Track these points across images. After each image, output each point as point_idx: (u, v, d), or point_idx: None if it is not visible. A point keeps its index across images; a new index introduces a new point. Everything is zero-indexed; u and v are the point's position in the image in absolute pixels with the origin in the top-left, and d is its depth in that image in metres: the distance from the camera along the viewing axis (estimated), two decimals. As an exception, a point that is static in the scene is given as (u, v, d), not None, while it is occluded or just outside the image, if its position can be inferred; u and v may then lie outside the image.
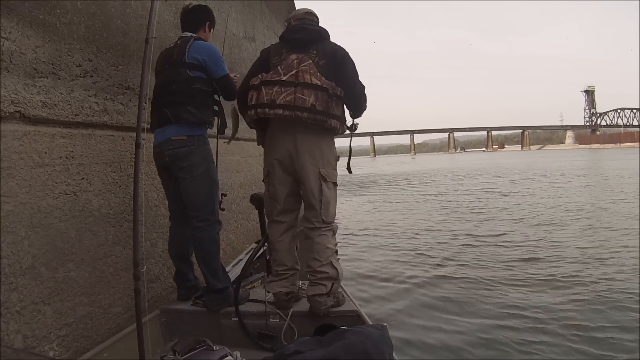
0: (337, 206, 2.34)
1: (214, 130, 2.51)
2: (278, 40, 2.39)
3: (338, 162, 2.34)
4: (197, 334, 1.85)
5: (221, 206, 2.54)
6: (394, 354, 1.59)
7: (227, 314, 2.28)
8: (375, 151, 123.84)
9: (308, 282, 2.28)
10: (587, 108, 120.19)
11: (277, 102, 2.13)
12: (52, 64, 1.91)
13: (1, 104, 1.63)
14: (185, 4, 2.48)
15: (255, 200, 2.71)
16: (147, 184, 2.55)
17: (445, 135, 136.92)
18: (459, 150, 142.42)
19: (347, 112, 2.31)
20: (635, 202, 9.01)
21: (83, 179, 2.05)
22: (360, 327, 1.68)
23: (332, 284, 2.20)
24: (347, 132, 2.34)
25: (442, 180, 20.25)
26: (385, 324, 1.69)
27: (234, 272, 2.65)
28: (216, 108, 2.40)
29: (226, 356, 1.68)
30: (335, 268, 2.22)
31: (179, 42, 2.31)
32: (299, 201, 2.34)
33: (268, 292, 2.29)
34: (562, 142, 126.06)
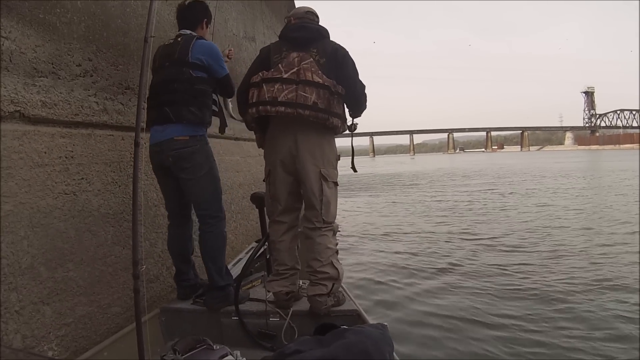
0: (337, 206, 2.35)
1: (212, 130, 2.50)
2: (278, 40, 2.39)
3: (339, 162, 2.34)
4: (197, 333, 1.85)
5: None
6: (394, 354, 1.59)
7: (227, 313, 2.27)
8: (374, 151, 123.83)
9: (308, 281, 2.28)
10: (586, 109, 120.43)
11: (279, 100, 2.12)
12: (52, 64, 1.91)
13: (1, 104, 1.63)
14: (182, 0, 2.46)
15: (256, 199, 2.71)
16: (147, 184, 2.54)
17: (445, 135, 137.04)
18: (458, 150, 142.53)
19: (346, 111, 2.30)
20: (635, 203, 9.03)
21: (82, 178, 2.05)
22: (360, 327, 1.68)
23: (333, 284, 2.19)
24: (347, 131, 2.34)
25: (440, 180, 20.27)
26: (385, 324, 1.69)
27: (234, 271, 2.64)
28: (215, 108, 2.40)
29: (226, 355, 1.68)
30: (336, 268, 2.22)
31: (179, 39, 2.29)
32: (300, 201, 2.34)
33: (268, 291, 2.29)
34: (561, 143, 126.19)
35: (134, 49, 2.49)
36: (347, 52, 2.24)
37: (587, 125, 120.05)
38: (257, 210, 2.80)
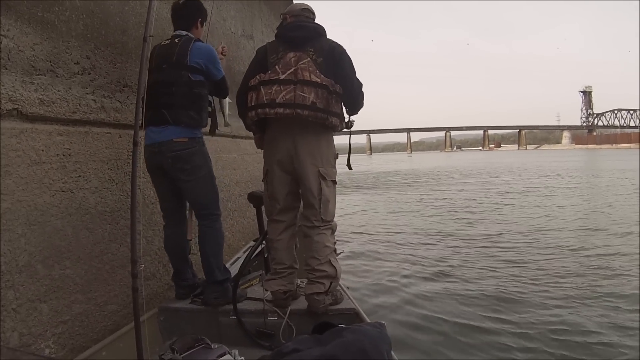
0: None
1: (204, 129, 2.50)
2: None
3: (337, 160, 2.34)
4: (196, 333, 1.85)
5: None
6: (392, 352, 1.60)
7: (225, 312, 2.28)
8: (371, 149, 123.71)
9: (306, 280, 2.28)
10: (584, 108, 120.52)
11: (277, 101, 2.12)
12: (50, 62, 1.90)
13: (-1, 102, 1.62)
14: None
15: (253, 198, 2.71)
16: (143, 181, 2.53)
17: (442, 133, 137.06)
18: (455, 149, 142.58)
19: (343, 109, 2.30)
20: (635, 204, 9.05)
21: (80, 176, 2.04)
22: (358, 325, 1.69)
23: (331, 283, 2.20)
24: (345, 129, 2.33)
25: (437, 180, 20.30)
26: (383, 322, 1.70)
27: (232, 270, 2.65)
28: (210, 109, 2.41)
29: (224, 354, 1.68)
30: (334, 266, 2.22)
31: (177, 41, 2.27)
32: (298, 200, 2.34)
33: (266, 290, 2.29)
34: (558, 142, 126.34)
35: (132, 47, 2.48)
36: (344, 50, 2.23)
37: (584, 124, 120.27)
38: (254, 208, 2.81)
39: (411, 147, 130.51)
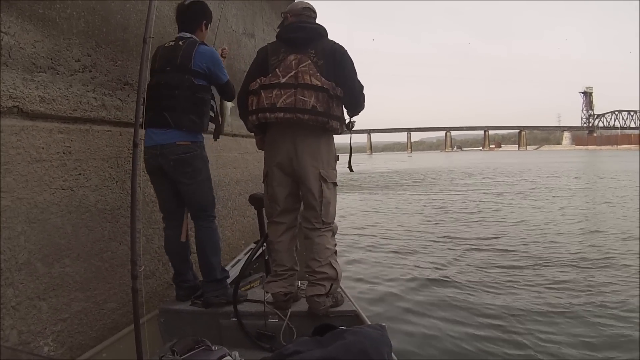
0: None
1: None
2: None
3: (338, 161, 2.33)
4: (196, 334, 1.85)
5: None
6: (392, 354, 1.60)
7: (225, 314, 2.27)
8: (372, 149, 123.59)
9: (307, 282, 2.28)
10: (584, 109, 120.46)
11: (278, 106, 2.11)
12: (51, 59, 1.89)
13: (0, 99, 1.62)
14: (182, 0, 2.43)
15: (254, 200, 2.70)
16: (143, 180, 2.53)
17: (443, 133, 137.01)
18: (455, 149, 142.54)
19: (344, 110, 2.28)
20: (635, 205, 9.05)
21: (80, 174, 2.04)
22: (358, 327, 1.69)
23: (331, 285, 2.19)
24: (346, 130, 2.32)
25: (437, 180, 20.30)
26: (384, 324, 1.69)
27: (232, 272, 2.64)
28: (212, 114, 2.40)
29: (225, 356, 1.68)
30: (335, 268, 2.22)
31: (181, 43, 2.26)
32: (298, 201, 2.33)
33: (267, 292, 2.29)
34: (559, 142, 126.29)
35: (133, 45, 2.47)
36: (346, 51, 2.21)
37: (585, 125, 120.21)
38: (254, 209, 2.80)
39: (411, 146, 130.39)
